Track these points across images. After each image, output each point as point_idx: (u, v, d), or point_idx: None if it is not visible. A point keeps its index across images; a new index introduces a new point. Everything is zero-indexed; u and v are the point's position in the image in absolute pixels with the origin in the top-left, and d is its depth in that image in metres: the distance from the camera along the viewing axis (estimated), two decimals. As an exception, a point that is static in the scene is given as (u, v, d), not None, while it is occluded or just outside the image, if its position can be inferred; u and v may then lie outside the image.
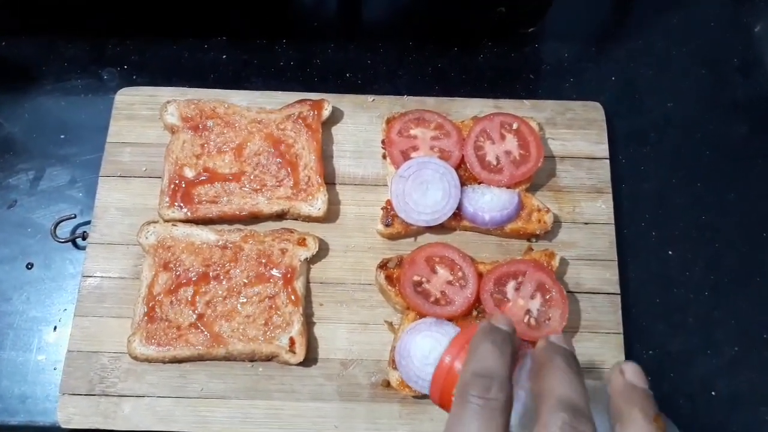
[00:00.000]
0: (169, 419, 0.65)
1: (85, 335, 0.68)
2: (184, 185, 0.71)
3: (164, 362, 0.66)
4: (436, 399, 0.43)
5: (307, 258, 0.69)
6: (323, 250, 0.72)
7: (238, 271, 0.68)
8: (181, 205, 0.71)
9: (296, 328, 0.66)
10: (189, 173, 0.72)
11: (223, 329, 0.66)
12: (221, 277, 0.68)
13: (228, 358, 0.66)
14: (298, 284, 0.68)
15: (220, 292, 0.67)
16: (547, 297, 0.66)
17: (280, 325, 0.66)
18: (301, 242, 0.69)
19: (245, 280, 0.67)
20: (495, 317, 0.44)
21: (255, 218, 0.72)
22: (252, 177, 0.72)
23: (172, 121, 0.74)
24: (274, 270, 0.68)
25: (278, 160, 0.72)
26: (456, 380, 0.40)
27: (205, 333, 0.65)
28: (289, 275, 0.68)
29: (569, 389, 0.37)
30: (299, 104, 0.75)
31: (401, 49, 0.85)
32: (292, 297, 0.67)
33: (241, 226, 0.71)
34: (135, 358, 0.65)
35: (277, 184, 0.72)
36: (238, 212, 0.71)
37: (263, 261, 0.68)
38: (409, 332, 0.65)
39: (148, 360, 0.65)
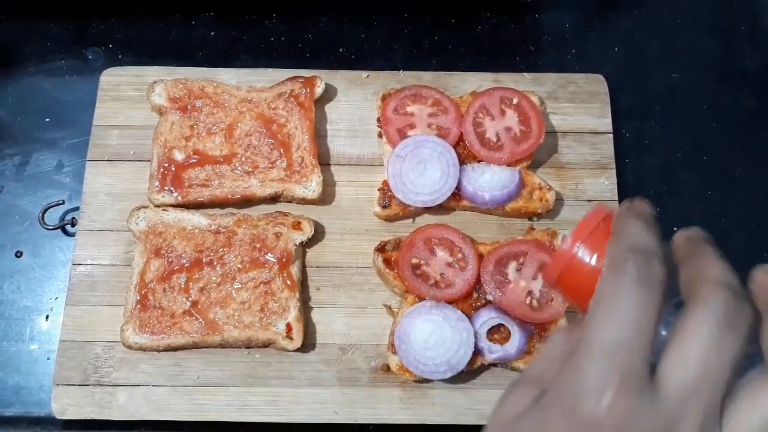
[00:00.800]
0: (166, 408, 0.64)
1: (77, 324, 0.66)
2: (173, 169, 0.69)
3: (158, 351, 0.64)
4: (552, 280, 0.38)
5: (302, 242, 0.67)
6: (319, 233, 0.70)
7: (231, 256, 0.66)
8: (172, 189, 0.68)
9: (293, 314, 0.65)
10: (178, 156, 0.69)
11: (218, 316, 0.64)
12: (215, 263, 0.66)
13: (224, 345, 0.65)
14: (294, 269, 0.66)
15: (213, 279, 0.65)
16: None
17: (276, 311, 0.65)
18: (296, 226, 0.67)
19: (239, 266, 0.66)
20: (636, 201, 0.39)
21: (248, 202, 0.70)
22: (243, 159, 0.69)
23: (160, 102, 0.71)
24: (269, 255, 0.66)
25: (270, 140, 0.70)
26: (582, 266, 0.36)
27: (200, 320, 0.64)
28: (284, 260, 0.66)
29: (723, 271, 0.34)
30: (290, 82, 0.72)
31: (396, 22, 0.82)
32: (288, 282, 0.65)
33: (234, 210, 0.69)
34: (129, 347, 0.64)
35: (270, 165, 0.69)
36: (230, 196, 0.68)
37: (257, 246, 0.66)
38: (409, 316, 0.63)
39: (142, 349, 0.64)
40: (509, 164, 0.70)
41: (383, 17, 0.82)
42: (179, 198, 0.68)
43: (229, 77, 0.75)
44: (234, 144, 0.70)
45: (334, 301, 0.68)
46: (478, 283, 0.65)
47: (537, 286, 0.65)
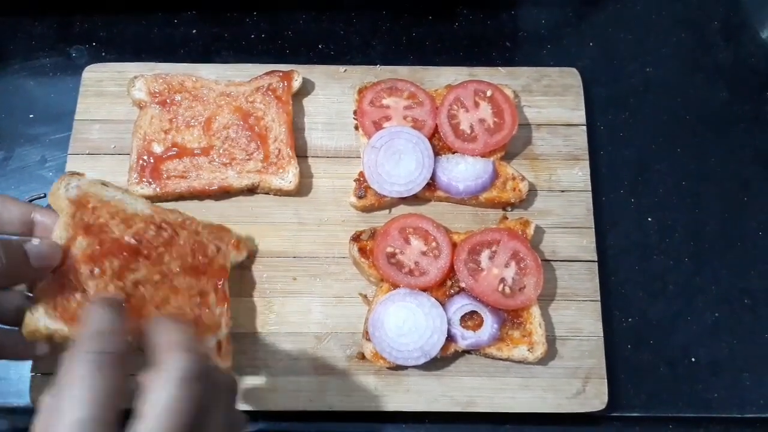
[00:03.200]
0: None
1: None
2: (152, 161, 0.70)
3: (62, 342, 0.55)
4: None
5: (235, 263, 0.65)
6: (297, 223, 0.71)
7: (171, 257, 0.61)
8: (150, 181, 0.69)
9: (224, 332, 0.62)
10: (157, 149, 0.71)
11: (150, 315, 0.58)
12: (153, 258, 0.60)
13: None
14: (226, 287, 0.63)
15: (150, 275, 0.59)
16: (522, 265, 0.65)
17: (209, 327, 0.61)
18: (236, 245, 0.65)
19: (178, 269, 0.61)
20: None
21: (226, 193, 0.71)
22: (221, 151, 0.70)
23: (140, 97, 0.73)
24: (207, 266, 0.63)
25: (248, 133, 0.71)
26: None
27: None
28: (220, 276, 0.63)
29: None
30: (268, 76, 0.74)
31: (375, 18, 0.83)
32: (222, 297, 0.62)
33: (179, 211, 0.65)
34: (33, 332, 0.53)
35: (247, 157, 0.70)
36: (207, 187, 0.69)
37: (199, 255, 0.62)
38: (383, 303, 0.64)
39: (49, 338, 0.54)
40: (483, 155, 0.71)
41: (362, 14, 0.84)
42: (158, 189, 0.69)
43: (209, 72, 0.76)
44: (212, 137, 0.71)
45: (310, 291, 0.69)
46: (451, 272, 0.66)
47: (509, 273, 0.65)
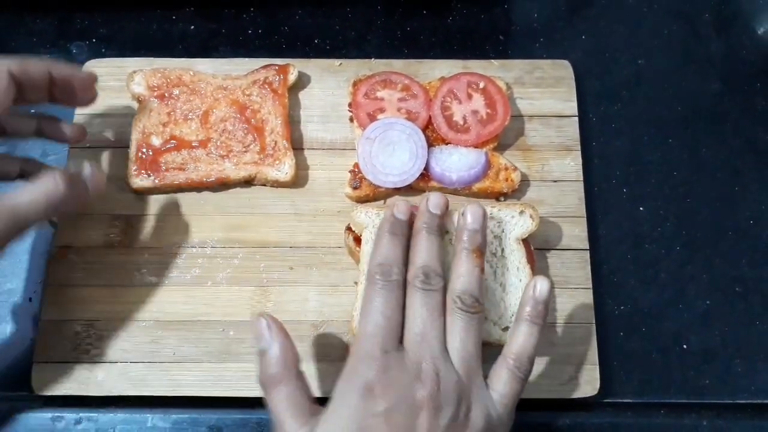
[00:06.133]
0: (142, 384, 0.66)
1: (57, 304, 0.69)
2: (151, 153, 0.71)
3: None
4: None
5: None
6: (293, 214, 0.72)
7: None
8: (149, 173, 0.71)
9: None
10: (156, 141, 0.72)
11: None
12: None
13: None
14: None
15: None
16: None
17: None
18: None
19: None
20: (397, 206, 0.59)
21: (223, 185, 0.72)
22: (218, 143, 0.72)
23: (139, 91, 0.74)
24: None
25: (244, 125, 0.72)
26: None
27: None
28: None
29: (426, 255, 0.55)
30: (265, 69, 0.75)
31: (370, 13, 0.85)
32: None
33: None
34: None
35: (244, 149, 0.72)
36: (205, 179, 0.71)
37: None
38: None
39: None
40: (476, 146, 0.72)
41: (357, 9, 0.85)
42: (156, 181, 0.71)
43: (206, 67, 0.77)
44: (209, 129, 0.72)
45: (307, 280, 0.70)
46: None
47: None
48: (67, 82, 0.63)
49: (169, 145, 0.72)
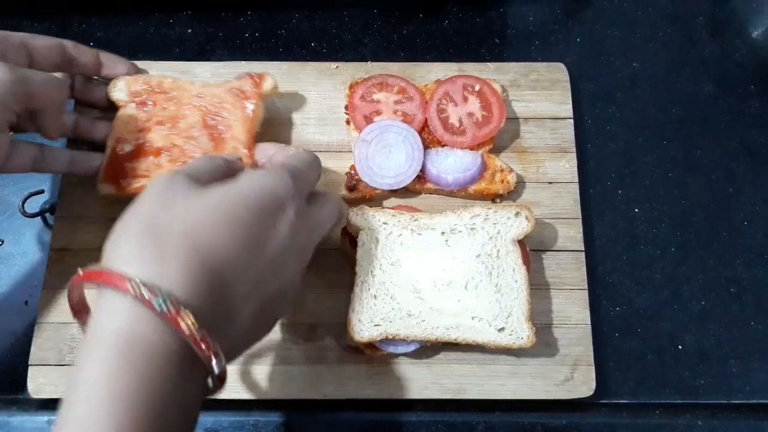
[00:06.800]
0: (139, 386, 0.66)
1: (54, 307, 0.69)
2: (119, 160, 0.71)
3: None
4: None
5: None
6: (290, 217, 0.72)
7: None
8: (115, 179, 0.70)
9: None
10: (127, 148, 0.71)
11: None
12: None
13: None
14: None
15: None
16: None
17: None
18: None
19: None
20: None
21: None
22: (184, 150, 0.71)
23: (120, 97, 0.73)
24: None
25: (207, 132, 0.71)
26: None
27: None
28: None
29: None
30: (241, 78, 0.74)
31: (366, 17, 0.85)
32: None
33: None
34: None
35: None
36: None
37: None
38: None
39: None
40: (472, 148, 0.72)
41: (354, 13, 0.85)
42: (120, 189, 0.70)
43: (203, 70, 0.78)
44: (177, 136, 0.71)
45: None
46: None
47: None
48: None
49: (137, 152, 0.71)
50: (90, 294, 0.47)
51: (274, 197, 0.50)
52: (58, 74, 0.68)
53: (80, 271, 0.45)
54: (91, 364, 0.41)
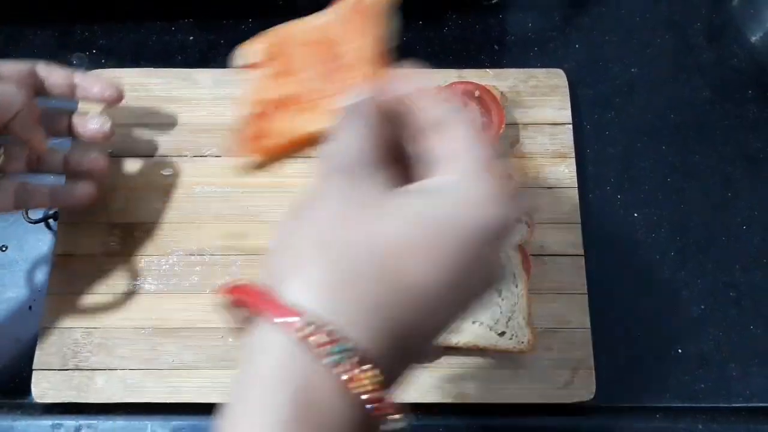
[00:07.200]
0: (142, 391, 0.66)
1: (57, 312, 0.69)
2: (259, 121, 0.73)
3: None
4: None
5: None
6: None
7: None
8: (258, 142, 0.73)
9: None
10: (261, 108, 0.74)
11: None
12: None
13: None
14: None
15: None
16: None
17: None
18: None
19: None
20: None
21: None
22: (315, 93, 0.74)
23: (248, 61, 0.75)
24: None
25: (333, 68, 0.74)
26: None
27: None
28: None
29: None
30: None
31: (366, 24, 0.86)
32: None
33: None
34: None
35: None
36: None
37: None
38: None
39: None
40: (472, 154, 0.73)
41: (354, 20, 0.86)
42: (265, 152, 0.73)
43: (205, 77, 0.78)
44: (305, 82, 0.74)
45: (304, 287, 0.70)
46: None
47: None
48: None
49: (270, 110, 0.74)
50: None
51: (498, 235, 0.35)
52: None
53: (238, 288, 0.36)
54: (260, 408, 0.31)
